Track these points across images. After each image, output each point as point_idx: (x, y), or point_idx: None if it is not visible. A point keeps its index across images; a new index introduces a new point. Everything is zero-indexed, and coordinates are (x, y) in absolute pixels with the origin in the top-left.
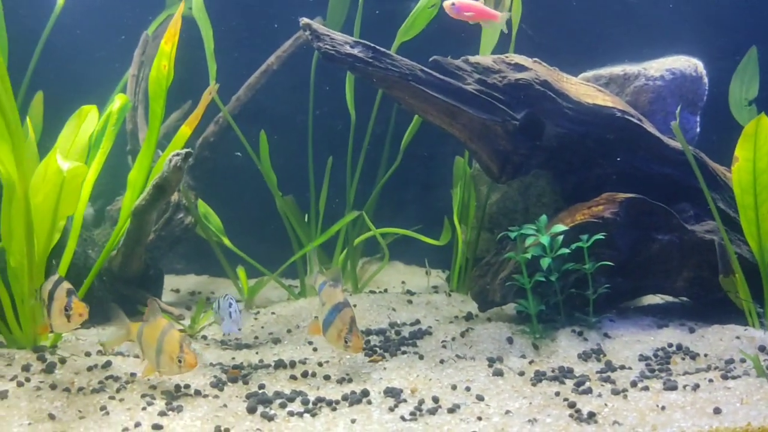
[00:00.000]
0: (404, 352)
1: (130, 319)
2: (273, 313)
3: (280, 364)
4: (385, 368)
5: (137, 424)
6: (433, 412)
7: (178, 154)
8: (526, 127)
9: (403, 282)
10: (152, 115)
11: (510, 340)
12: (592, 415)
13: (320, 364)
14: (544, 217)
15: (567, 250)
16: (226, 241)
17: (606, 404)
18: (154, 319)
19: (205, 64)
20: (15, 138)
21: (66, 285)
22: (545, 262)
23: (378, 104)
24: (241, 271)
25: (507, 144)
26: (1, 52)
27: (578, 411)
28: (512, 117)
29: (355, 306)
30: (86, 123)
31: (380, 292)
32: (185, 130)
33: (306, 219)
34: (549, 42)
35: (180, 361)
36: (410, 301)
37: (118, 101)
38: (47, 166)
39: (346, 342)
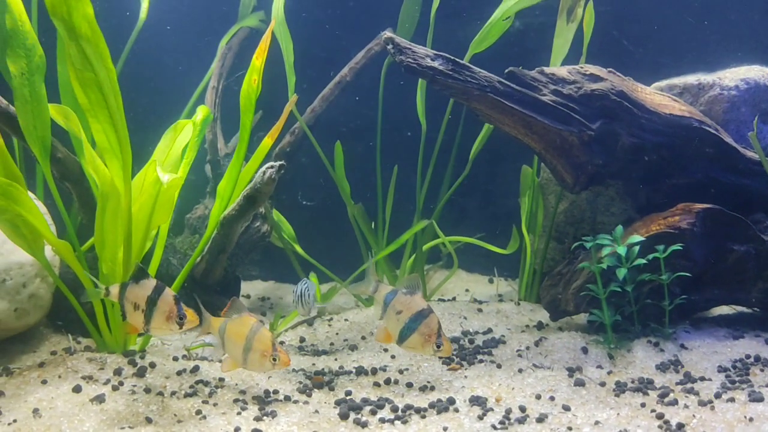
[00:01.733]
0: (481, 361)
1: None
2: (346, 319)
3: (361, 371)
4: (465, 376)
5: (237, 429)
6: (521, 421)
7: (272, 166)
8: (602, 138)
9: (467, 290)
10: (242, 127)
11: (585, 350)
12: (681, 427)
13: (401, 372)
14: (620, 228)
15: (643, 261)
16: (299, 249)
17: (694, 415)
18: (240, 317)
19: (274, 74)
20: (125, 155)
21: (171, 291)
22: (621, 273)
23: (448, 113)
24: (313, 278)
25: (582, 154)
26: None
27: (667, 422)
28: (588, 127)
29: None
30: (181, 136)
31: (449, 300)
32: (267, 142)
33: (373, 226)
34: (621, 51)
35: (274, 360)
36: (480, 310)
37: (200, 113)
38: (144, 177)
39: (438, 347)
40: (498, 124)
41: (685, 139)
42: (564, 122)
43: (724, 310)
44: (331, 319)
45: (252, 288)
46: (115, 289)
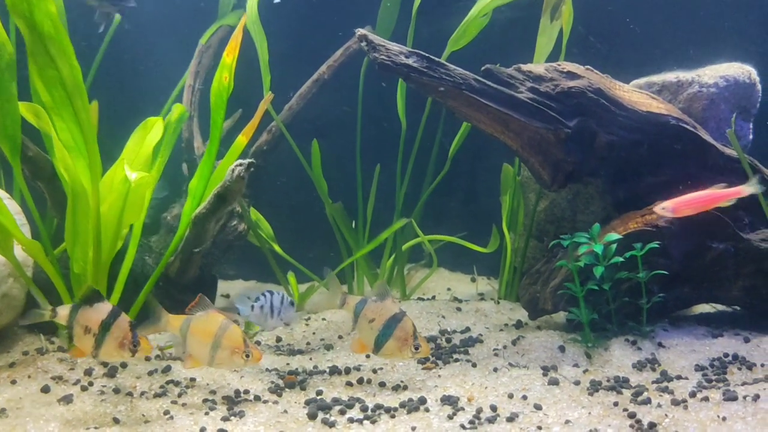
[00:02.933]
0: (456, 360)
1: None
2: (324, 319)
3: (334, 371)
4: (439, 376)
5: (202, 429)
6: (492, 420)
7: (241, 164)
8: (579, 135)
9: (448, 289)
10: (213, 125)
11: (562, 349)
12: (652, 426)
13: (374, 371)
14: (597, 226)
15: (620, 259)
16: (277, 248)
17: (666, 415)
18: (206, 314)
19: (253, 73)
20: (91, 153)
21: (127, 317)
22: (598, 271)
23: (428, 112)
24: (291, 277)
25: (559, 152)
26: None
27: (639, 421)
28: (564, 125)
29: None
30: (151, 134)
31: (428, 299)
32: (242, 140)
33: (354, 225)
34: (600, 49)
35: (247, 356)
36: (459, 309)
37: (175, 111)
38: (114, 176)
39: (416, 349)
40: (474, 122)
41: (663, 136)
42: (540, 119)
43: (704, 308)
44: (309, 318)
45: (232, 287)
46: (64, 311)
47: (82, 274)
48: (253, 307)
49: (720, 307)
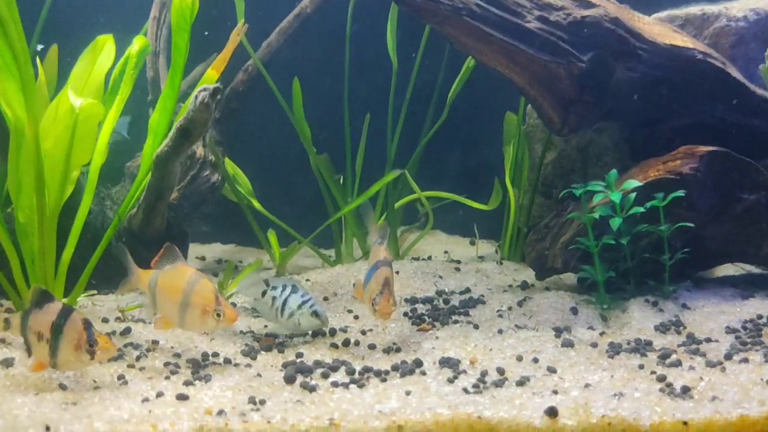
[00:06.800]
0: (456, 322)
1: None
2: (308, 280)
3: (318, 332)
4: (437, 338)
5: (159, 394)
6: (499, 384)
7: (205, 89)
8: (594, 71)
9: (446, 251)
10: (175, 49)
11: (574, 311)
12: (686, 390)
13: (363, 333)
14: (614, 172)
15: (641, 209)
16: (256, 204)
17: (701, 378)
18: (175, 267)
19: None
20: (24, 74)
21: (80, 315)
22: (616, 223)
23: (423, 48)
24: (272, 235)
25: (571, 90)
26: None
27: (669, 385)
28: (578, 59)
29: (397, 273)
30: (102, 57)
31: (424, 259)
32: (211, 74)
33: (341, 180)
34: None
35: (219, 315)
36: (458, 269)
37: (136, 44)
38: (58, 106)
39: (372, 305)
40: (476, 55)
41: (688, 73)
42: (550, 52)
43: (728, 270)
44: (292, 278)
45: (209, 250)
46: (16, 320)
47: (28, 224)
48: (264, 292)
49: (748, 267)
